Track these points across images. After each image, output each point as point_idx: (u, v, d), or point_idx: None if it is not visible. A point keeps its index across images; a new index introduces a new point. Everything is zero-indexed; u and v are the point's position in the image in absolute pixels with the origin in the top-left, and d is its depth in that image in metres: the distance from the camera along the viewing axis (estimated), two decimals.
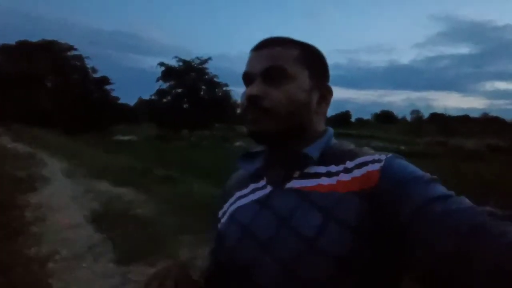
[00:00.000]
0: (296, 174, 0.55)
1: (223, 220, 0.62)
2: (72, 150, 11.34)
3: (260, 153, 0.65)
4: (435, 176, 0.48)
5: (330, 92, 0.61)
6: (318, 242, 0.47)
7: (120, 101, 37.18)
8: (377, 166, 0.50)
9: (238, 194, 0.62)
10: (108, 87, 32.63)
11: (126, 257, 2.94)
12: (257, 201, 0.57)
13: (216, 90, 30.30)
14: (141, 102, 46.87)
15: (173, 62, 29.47)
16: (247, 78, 0.58)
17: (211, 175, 6.67)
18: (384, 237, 0.46)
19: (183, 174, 6.98)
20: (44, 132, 19.20)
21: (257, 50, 0.58)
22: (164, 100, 29.88)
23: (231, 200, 0.63)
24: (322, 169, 0.54)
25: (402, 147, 18.27)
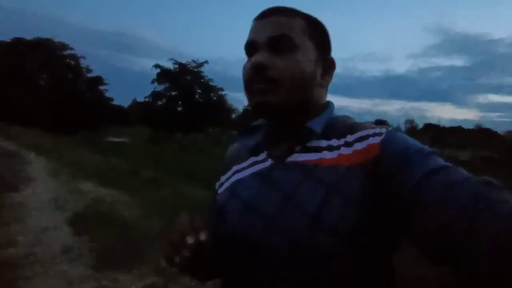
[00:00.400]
0: (298, 148, 0.54)
1: (220, 193, 0.61)
2: (60, 150, 11.10)
3: (259, 127, 0.64)
4: (435, 149, 0.48)
5: (333, 65, 0.60)
6: (322, 217, 0.47)
7: (114, 102, 36.90)
8: (377, 139, 0.50)
9: (235, 167, 0.61)
10: (102, 87, 32.34)
11: (102, 262, 2.83)
12: (257, 174, 0.56)
13: (211, 94, 30.30)
14: (135, 104, 46.65)
15: (168, 64, 29.55)
16: (251, 47, 0.56)
17: (199, 178, 6.60)
18: (386, 209, 0.46)
19: (171, 176, 6.86)
20: (31, 131, 18.84)
21: (262, 18, 0.56)
22: (159, 102, 29.76)
23: (228, 173, 0.62)
24: (323, 143, 0.54)
25: None
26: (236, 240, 0.54)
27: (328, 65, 0.59)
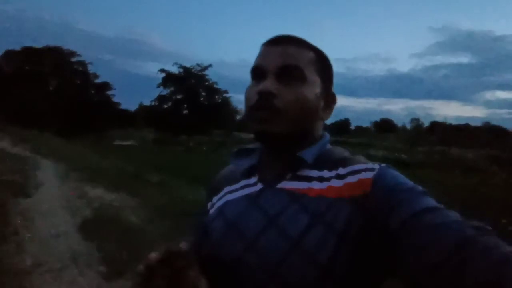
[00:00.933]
0: (289, 175, 0.55)
1: (211, 213, 0.62)
2: (69, 154, 11.28)
3: (254, 150, 0.64)
4: (425, 189, 0.48)
5: (334, 100, 0.61)
6: (302, 243, 0.47)
7: (121, 107, 37.36)
8: (369, 175, 0.51)
9: (227, 189, 0.62)
10: (109, 92, 32.77)
11: (111, 268, 2.83)
12: (246, 197, 0.57)
13: (216, 96, 30.47)
14: (142, 108, 47.09)
15: (173, 69, 29.76)
16: (259, 72, 0.56)
17: (204, 180, 6.62)
18: (369, 245, 0.46)
19: (176, 179, 6.92)
20: (41, 135, 19.16)
21: (273, 45, 0.56)
22: (165, 106, 30.03)
23: (220, 194, 0.63)
24: (314, 173, 0.55)
25: (403, 156, 18.12)
26: (216, 258, 0.54)
27: (330, 99, 0.60)
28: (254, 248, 0.51)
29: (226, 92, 30.79)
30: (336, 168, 0.54)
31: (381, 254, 0.45)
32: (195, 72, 29.79)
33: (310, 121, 0.57)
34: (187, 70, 29.56)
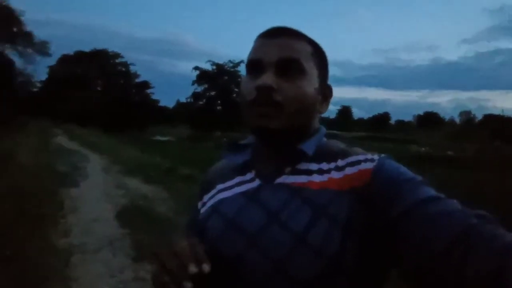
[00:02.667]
0: (288, 169, 0.54)
1: (203, 212, 0.60)
2: (112, 148, 12.23)
3: (246, 145, 0.62)
4: (426, 179, 0.48)
5: (331, 93, 0.60)
6: (308, 238, 0.47)
7: (160, 104, 39.27)
8: (369, 165, 0.50)
9: (220, 186, 0.60)
10: (148, 90, 34.66)
11: (141, 254, 3.07)
12: (244, 194, 0.55)
13: None
14: (179, 105, 48.66)
15: (207, 66, 30.41)
16: (256, 66, 0.54)
17: None
18: (373, 236, 0.46)
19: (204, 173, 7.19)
20: (90, 131, 20.80)
21: (270, 37, 0.54)
22: (200, 102, 30.93)
23: (212, 192, 0.60)
24: (313, 166, 0.54)
25: (449, 153, 16.66)
26: (216, 257, 0.50)
27: (327, 92, 0.59)
28: (257, 245, 0.49)
29: None
30: (335, 160, 0.53)
31: (385, 244, 0.45)
32: (228, 68, 30.23)
33: (309, 115, 0.55)
34: (219, 67, 30.08)
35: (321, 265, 0.46)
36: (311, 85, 0.54)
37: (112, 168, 8.11)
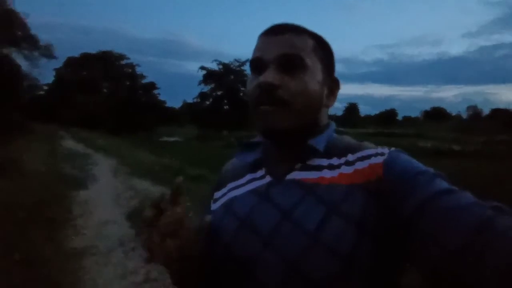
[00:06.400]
0: (298, 165, 0.53)
1: (215, 210, 0.59)
2: (120, 151, 12.30)
3: (258, 143, 0.61)
4: (440, 171, 0.47)
5: (337, 86, 0.59)
6: (322, 236, 0.46)
7: (167, 105, 39.57)
8: (380, 159, 0.49)
9: (231, 185, 0.60)
10: (155, 91, 34.85)
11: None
12: (255, 191, 0.54)
13: None
14: (185, 105, 49.13)
15: (213, 66, 30.61)
16: (258, 64, 0.53)
17: None
18: (387, 232, 0.45)
19: (214, 173, 7.19)
20: (97, 134, 21.06)
21: (271, 35, 0.54)
22: (207, 102, 31.11)
23: (223, 190, 0.61)
24: (324, 161, 0.53)
25: (455, 147, 16.62)
26: (230, 257, 0.51)
27: (334, 86, 0.58)
28: (271, 245, 0.48)
29: None
30: (345, 155, 0.53)
31: (399, 240, 0.44)
32: (234, 68, 30.38)
33: (316, 110, 0.55)
34: (226, 67, 30.25)
35: (335, 263, 0.45)
36: (314, 79, 0.53)
37: (121, 170, 8.08)
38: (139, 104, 31.48)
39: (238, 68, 30.41)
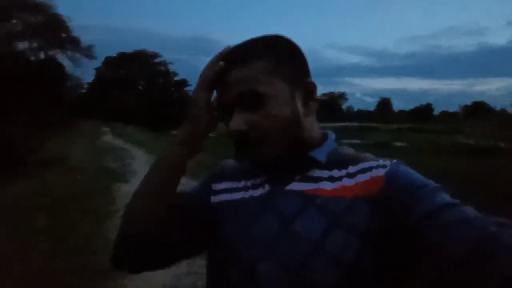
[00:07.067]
0: (298, 177, 0.53)
1: (215, 202, 0.58)
2: (156, 145, 12.79)
3: None
4: (441, 185, 0.47)
5: (313, 87, 0.55)
6: (324, 246, 0.46)
7: None
8: (381, 172, 0.50)
9: (230, 184, 0.59)
10: (187, 88, 35.83)
11: None
12: (257, 199, 0.54)
13: None
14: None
15: None
16: (222, 106, 0.54)
17: None
18: (390, 244, 0.45)
19: None
20: (134, 129, 22.02)
21: (222, 74, 0.52)
22: None
23: (222, 185, 0.59)
24: (324, 173, 0.53)
25: (501, 144, 15.32)
26: (232, 264, 0.51)
27: (308, 89, 0.54)
28: (273, 254, 0.48)
29: None
30: (346, 167, 0.52)
31: (402, 253, 0.44)
32: None
33: (295, 128, 0.53)
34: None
35: (338, 274, 0.45)
36: (281, 104, 0.51)
37: None
38: (172, 100, 32.59)
39: None
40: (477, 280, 0.36)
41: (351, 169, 0.52)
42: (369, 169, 0.51)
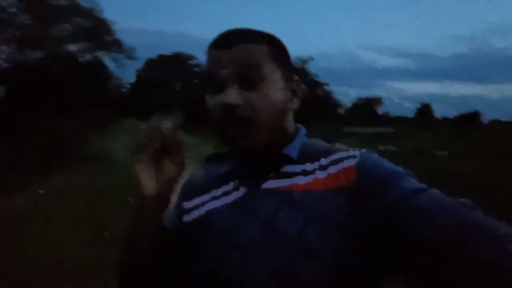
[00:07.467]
0: (272, 174, 0.53)
1: (188, 222, 0.57)
2: (190, 145, 13.23)
3: (227, 154, 0.60)
4: (409, 171, 0.48)
5: (299, 86, 0.58)
6: (304, 242, 0.46)
7: None
8: (352, 162, 0.50)
9: (203, 197, 0.58)
10: None
11: None
12: (232, 204, 0.53)
13: (317, 90, 30.17)
14: None
15: None
16: (214, 82, 0.51)
17: None
18: (368, 233, 0.45)
19: None
20: None
21: (223, 48, 0.51)
22: None
23: (194, 201, 0.58)
24: (297, 168, 0.53)
25: None
26: (214, 275, 0.50)
27: (295, 87, 0.56)
28: (253, 257, 0.48)
29: (326, 84, 30.22)
30: (318, 159, 0.52)
31: (380, 242, 0.44)
32: (297, 66, 30.26)
33: (282, 119, 0.53)
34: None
35: (319, 269, 0.45)
36: (276, 88, 0.52)
37: (188, 164, 8.66)
38: (206, 101, 33.59)
39: (300, 67, 30.19)
40: (453, 265, 0.37)
41: (323, 161, 0.52)
42: (340, 160, 0.51)
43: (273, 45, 0.54)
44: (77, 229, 3.88)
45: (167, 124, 0.49)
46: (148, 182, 0.50)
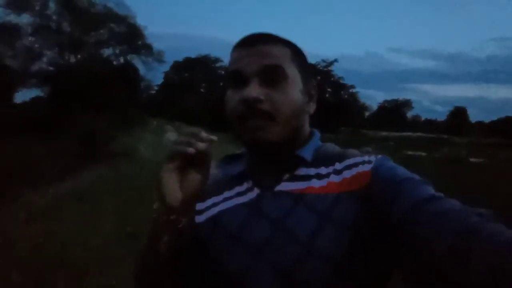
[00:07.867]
0: (286, 176, 0.54)
1: (200, 222, 0.56)
2: (214, 145, 13.48)
3: (240, 155, 0.62)
4: (425, 179, 0.48)
5: (316, 90, 0.59)
6: (315, 245, 0.46)
7: None
8: (367, 167, 0.51)
9: (215, 199, 0.57)
10: None
11: None
12: (245, 204, 0.54)
13: (342, 92, 29.59)
14: None
15: None
16: (238, 78, 0.52)
17: None
18: (378, 238, 0.46)
19: None
20: (195, 129, 23.43)
21: (247, 46, 0.53)
22: None
23: (207, 203, 0.57)
24: (312, 171, 0.53)
25: None
26: (222, 273, 0.50)
27: (312, 92, 0.58)
28: (264, 255, 0.48)
29: (353, 87, 29.59)
30: (332, 163, 0.53)
31: (389, 245, 0.44)
32: (321, 68, 29.89)
33: (300, 120, 0.55)
34: (313, 67, 30.06)
35: (329, 271, 0.45)
36: (296, 89, 0.53)
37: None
38: None
39: (325, 69, 29.79)
40: (459, 271, 0.36)
41: (338, 165, 0.53)
42: (355, 165, 0.52)
43: (294, 50, 0.56)
44: (99, 220, 4.11)
45: (203, 139, 0.48)
46: (173, 192, 0.48)
